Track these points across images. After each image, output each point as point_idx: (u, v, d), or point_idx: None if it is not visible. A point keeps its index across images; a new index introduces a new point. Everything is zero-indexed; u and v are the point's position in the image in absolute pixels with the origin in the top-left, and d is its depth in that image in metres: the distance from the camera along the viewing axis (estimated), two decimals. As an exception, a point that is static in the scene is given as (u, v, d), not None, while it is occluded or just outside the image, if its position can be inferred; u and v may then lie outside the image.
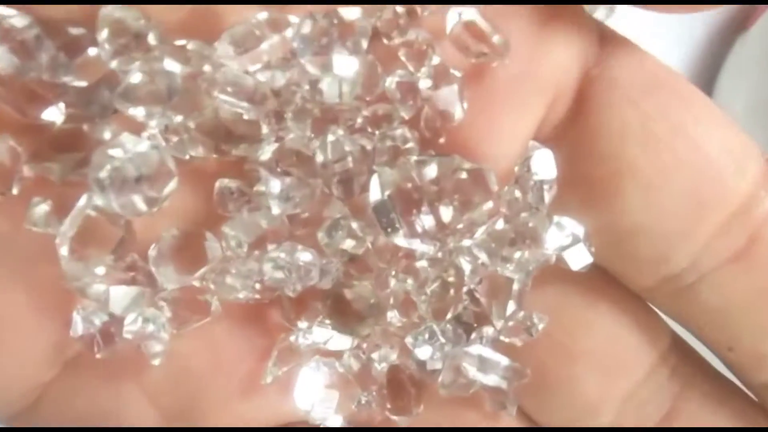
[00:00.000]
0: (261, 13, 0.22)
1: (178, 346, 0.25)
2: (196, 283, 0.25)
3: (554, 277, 0.27)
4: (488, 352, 0.27)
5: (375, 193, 0.23)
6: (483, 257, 0.25)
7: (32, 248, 0.24)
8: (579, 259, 0.26)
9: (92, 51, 0.22)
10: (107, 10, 0.21)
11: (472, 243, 0.25)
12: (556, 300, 0.28)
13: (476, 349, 0.27)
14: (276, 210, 0.24)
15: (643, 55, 0.26)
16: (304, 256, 0.24)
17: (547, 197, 0.25)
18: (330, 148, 0.23)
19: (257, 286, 0.24)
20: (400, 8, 0.23)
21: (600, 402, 0.28)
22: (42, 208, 0.23)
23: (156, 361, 0.25)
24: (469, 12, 0.23)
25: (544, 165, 0.25)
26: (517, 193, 0.26)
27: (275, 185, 0.24)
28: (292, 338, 0.26)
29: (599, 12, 0.49)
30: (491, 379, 0.27)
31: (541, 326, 0.26)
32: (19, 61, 0.21)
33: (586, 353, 0.28)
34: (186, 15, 0.23)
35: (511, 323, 0.26)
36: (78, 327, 0.24)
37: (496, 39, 0.24)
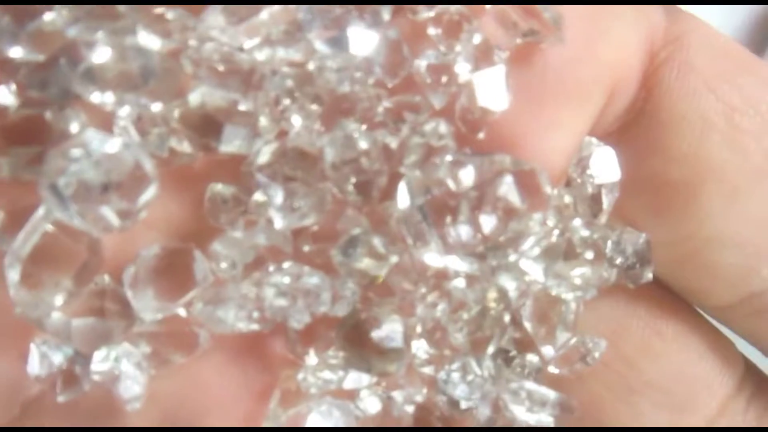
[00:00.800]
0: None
1: (160, 385, 0.23)
2: (181, 312, 0.22)
3: (608, 294, 0.25)
4: (533, 386, 0.25)
5: (403, 200, 0.21)
6: (536, 272, 0.23)
7: None
8: (639, 274, 0.24)
9: (48, 16, 0.20)
10: None
11: (519, 255, 0.22)
12: (613, 322, 0.26)
13: (521, 385, 0.25)
14: (279, 223, 0.22)
15: (714, 33, 0.24)
16: (312, 279, 0.22)
17: (607, 203, 0.24)
18: (339, 145, 0.22)
19: (255, 314, 0.22)
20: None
21: None
22: (-9, 221, 0.21)
23: (134, 406, 0.22)
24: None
25: (605, 166, 0.24)
26: (567, 198, 0.24)
27: (277, 194, 0.21)
28: (298, 376, 0.24)
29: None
30: (537, 418, 0.25)
31: (597, 354, 0.25)
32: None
33: (649, 386, 0.26)
34: None
35: (561, 351, 0.24)
36: (35, 364, 0.22)
37: (547, 15, 0.22)
